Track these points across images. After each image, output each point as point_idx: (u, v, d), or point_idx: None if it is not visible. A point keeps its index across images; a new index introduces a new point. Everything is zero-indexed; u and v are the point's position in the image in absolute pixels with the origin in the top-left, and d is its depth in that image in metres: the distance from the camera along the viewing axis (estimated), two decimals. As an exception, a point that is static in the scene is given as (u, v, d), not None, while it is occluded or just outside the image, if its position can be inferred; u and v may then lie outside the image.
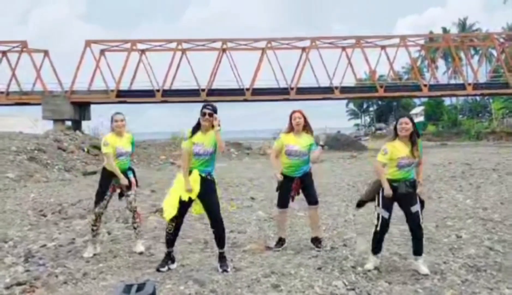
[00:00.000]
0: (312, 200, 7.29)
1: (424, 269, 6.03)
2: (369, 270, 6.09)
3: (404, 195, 6.09)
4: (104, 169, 7.31)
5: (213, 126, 6.20)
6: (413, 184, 6.12)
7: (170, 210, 6.25)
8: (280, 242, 7.34)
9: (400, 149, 6.08)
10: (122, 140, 7.20)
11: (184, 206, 6.28)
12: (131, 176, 7.30)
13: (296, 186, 7.21)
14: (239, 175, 18.99)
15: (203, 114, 6.20)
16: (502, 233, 7.86)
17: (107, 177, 7.21)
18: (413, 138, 6.10)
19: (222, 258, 6.36)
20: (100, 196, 7.20)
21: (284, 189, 7.27)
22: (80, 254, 7.09)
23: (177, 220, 6.32)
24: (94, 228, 7.19)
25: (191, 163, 6.29)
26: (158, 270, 6.28)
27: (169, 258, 6.43)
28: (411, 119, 6.17)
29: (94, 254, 7.05)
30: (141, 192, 12.80)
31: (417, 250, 6.18)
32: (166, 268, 6.32)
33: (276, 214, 7.64)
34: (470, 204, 10.58)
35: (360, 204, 6.66)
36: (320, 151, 7.22)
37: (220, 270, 6.22)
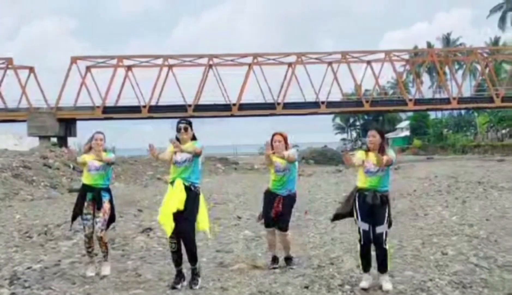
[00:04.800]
0: (282, 225, 7.22)
1: (386, 286, 6.06)
2: (365, 289, 6.08)
3: (372, 207, 6.13)
4: (82, 184, 7.36)
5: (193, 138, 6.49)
6: (383, 198, 6.16)
7: (168, 223, 6.22)
8: (275, 260, 7.35)
9: (368, 157, 6.22)
10: (95, 157, 7.21)
11: (177, 218, 6.22)
12: (105, 198, 7.21)
13: (277, 205, 7.16)
14: (226, 191, 18.99)
15: (179, 129, 6.47)
16: (488, 250, 7.91)
17: (83, 191, 7.26)
18: (382, 149, 6.22)
19: (192, 274, 6.40)
20: (75, 210, 7.25)
21: (266, 206, 7.31)
22: (66, 276, 7.03)
23: (177, 235, 6.28)
24: (89, 249, 7.17)
25: (173, 172, 6.43)
26: (173, 288, 6.26)
27: (180, 275, 6.43)
28: (380, 132, 6.31)
29: (96, 274, 7.02)
30: (128, 212, 12.75)
31: (381, 268, 6.22)
32: (180, 285, 6.32)
33: (266, 233, 7.63)
34: (456, 221, 10.62)
35: (336, 217, 6.70)
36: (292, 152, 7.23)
37: (188, 285, 6.28)
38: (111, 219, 7.38)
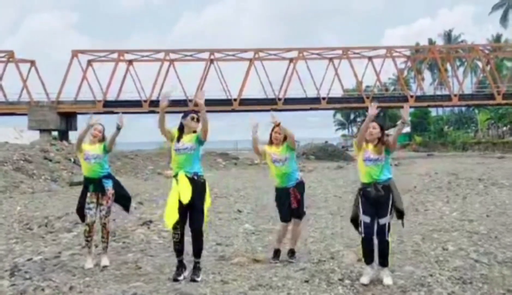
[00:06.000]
0: (300, 213, 7.28)
1: (386, 280, 6.07)
2: (365, 284, 6.09)
3: (376, 200, 6.13)
4: (83, 177, 7.41)
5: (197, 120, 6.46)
6: (386, 189, 6.17)
7: (171, 216, 6.27)
8: (277, 254, 7.36)
9: (367, 147, 6.25)
10: (93, 147, 7.27)
11: (183, 211, 6.29)
12: (108, 186, 7.28)
13: (294, 196, 7.19)
14: (226, 185, 18.97)
15: (192, 118, 6.46)
16: (488, 246, 7.91)
17: (85, 184, 7.33)
18: (382, 141, 6.22)
19: (194, 268, 6.41)
20: (80, 202, 7.28)
21: (281, 202, 7.31)
22: (67, 268, 7.03)
23: (181, 227, 6.35)
24: (89, 239, 7.19)
25: (174, 163, 6.45)
26: (175, 280, 6.28)
27: (181, 266, 6.46)
28: (380, 125, 6.30)
29: (96, 265, 7.05)
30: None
31: (382, 262, 6.23)
32: (182, 276, 6.34)
33: (279, 228, 7.61)
34: (456, 217, 10.64)
35: (354, 222, 6.62)
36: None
37: (189, 277, 6.30)
38: (127, 199, 7.59)
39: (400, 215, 6.33)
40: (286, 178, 7.24)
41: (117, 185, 7.43)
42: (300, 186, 7.33)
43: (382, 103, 58.58)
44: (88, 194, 7.21)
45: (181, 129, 6.51)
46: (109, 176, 7.35)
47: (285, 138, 7.23)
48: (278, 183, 7.32)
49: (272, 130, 7.27)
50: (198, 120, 6.47)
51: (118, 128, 7.23)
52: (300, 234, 7.53)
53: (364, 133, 6.22)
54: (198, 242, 6.43)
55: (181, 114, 6.61)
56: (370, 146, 6.25)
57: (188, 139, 6.44)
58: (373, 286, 6.04)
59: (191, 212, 6.34)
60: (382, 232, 6.15)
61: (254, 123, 7.25)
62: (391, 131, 6.38)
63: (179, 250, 6.46)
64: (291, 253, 7.37)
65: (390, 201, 6.18)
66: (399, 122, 6.44)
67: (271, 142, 7.30)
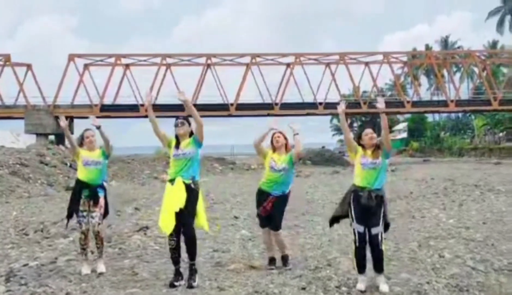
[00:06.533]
0: (273, 225, 7.20)
1: (383, 287, 6.07)
2: (362, 291, 6.07)
3: (367, 208, 6.11)
4: (76, 180, 7.39)
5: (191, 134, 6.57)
6: (378, 199, 6.14)
7: (168, 222, 6.28)
8: (272, 261, 7.33)
9: (365, 153, 6.27)
10: (92, 153, 7.27)
11: (178, 217, 6.29)
12: (100, 194, 7.25)
13: (267, 204, 7.12)
14: (223, 191, 18.96)
15: (176, 125, 6.58)
16: (484, 253, 7.91)
17: (78, 188, 7.27)
18: (377, 147, 6.25)
19: (190, 271, 6.42)
20: (71, 207, 7.25)
21: (259, 206, 7.28)
22: (63, 274, 7.01)
23: (176, 233, 6.36)
24: (85, 246, 7.17)
25: (172, 167, 6.50)
26: (172, 285, 6.29)
27: (178, 274, 6.46)
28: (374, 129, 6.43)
29: (92, 271, 7.03)
30: (124, 210, 12.71)
31: (377, 268, 6.23)
32: (178, 283, 6.34)
33: (262, 234, 7.59)
34: (452, 224, 10.64)
35: (333, 221, 6.64)
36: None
37: (186, 283, 6.29)
38: (105, 213, 7.42)
39: (386, 227, 6.34)
40: (274, 185, 7.20)
41: (105, 199, 7.38)
42: (282, 199, 7.24)
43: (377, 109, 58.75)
44: (81, 201, 7.17)
45: (177, 137, 6.59)
46: (103, 187, 7.33)
47: (286, 146, 7.24)
48: (262, 183, 7.30)
49: (272, 137, 7.28)
50: (183, 123, 6.57)
51: (98, 128, 7.23)
52: (283, 241, 7.39)
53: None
54: (192, 247, 6.45)
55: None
56: (368, 152, 6.27)
57: (186, 144, 6.50)
58: (369, 294, 6.04)
59: (183, 219, 6.34)
60: (376, 241, 6.12)
61: (275, 125, 7.33)
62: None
63: (176, 257, 6.47)
64: (284, 260, 7.33)
65: (382, 212, 6.18)
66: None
67: (274, 148, 7.30)
